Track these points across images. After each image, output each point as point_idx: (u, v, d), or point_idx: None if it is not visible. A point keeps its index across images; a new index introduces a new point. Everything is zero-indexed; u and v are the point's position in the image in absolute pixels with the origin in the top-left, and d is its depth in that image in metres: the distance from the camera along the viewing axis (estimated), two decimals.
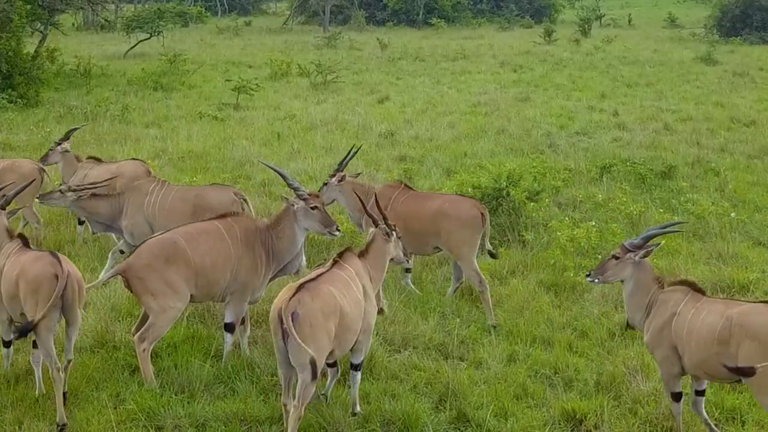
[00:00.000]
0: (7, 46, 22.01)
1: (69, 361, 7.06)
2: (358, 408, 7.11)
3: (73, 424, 6.86)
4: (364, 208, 7.83)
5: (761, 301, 6.64)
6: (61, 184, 10.75)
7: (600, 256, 10.68)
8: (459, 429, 7.01)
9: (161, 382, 7.48)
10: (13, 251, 7.17)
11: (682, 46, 38.94)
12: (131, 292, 7.72)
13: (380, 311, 7.77)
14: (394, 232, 7.41)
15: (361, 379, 7.26)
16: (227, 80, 24.74)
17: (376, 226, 7.41)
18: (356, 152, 10.27)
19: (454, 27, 52.65)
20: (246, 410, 7.02)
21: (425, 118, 20.61)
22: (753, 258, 10.92)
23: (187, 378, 7.50)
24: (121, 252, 9.83)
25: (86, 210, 9.71)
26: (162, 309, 7.50)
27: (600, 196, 13.12)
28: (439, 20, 51.35)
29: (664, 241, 11.02)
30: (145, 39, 36.43)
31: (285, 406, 6.59)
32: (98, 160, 11.64)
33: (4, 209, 7.66)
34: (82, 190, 9.65)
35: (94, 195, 9.68)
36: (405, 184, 9.88)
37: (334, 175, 9.95)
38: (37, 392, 7.31)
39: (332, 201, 9.96)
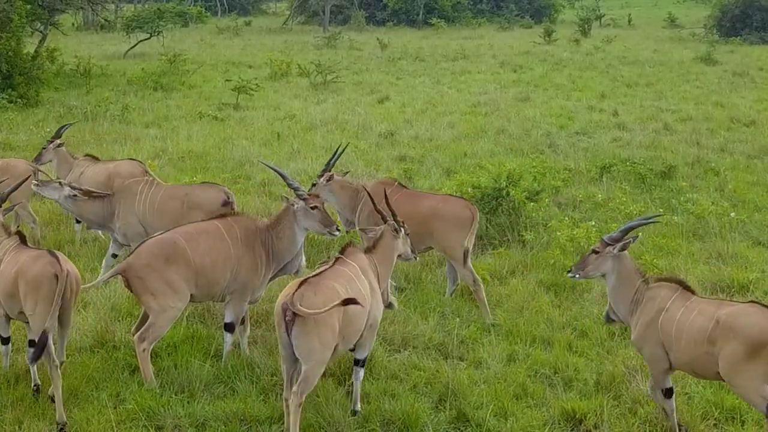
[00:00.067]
0: (7, 46, 22.02)
1: (61, 363, 7.05)
2: (359, 406, 7.11)
3: (73, 424, 6.87)
4: (374, 204, 7.83)
5: (750, 302, 6.67)
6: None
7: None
8: (459, 429, 7.01)
9: (161, 381, 7.48)
10: (11, 248, 7.18)
11: (682, 46, 38.95)
12: (131, 291, 7.72)
13: (389, 306, 7.81)
14: (402, 229, 7.46)
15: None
16: (227, 80, 24.74)
17: (385, 222, 7.45)
18: (342, 151, 10.28)
19: (454, 27, 52.66)
20: (246, 410, 7.03)
21: (425, 118, 20.62)
22: (753, 258, 10.93)
23: (187, 378, 7.50)
24: (114, 256, 9.81)
25: (78, 209, 9.69)
26: (162, 309, 7.50)
27: (600, 196, 13.13)
28: (439, 20, 51.37)
29: (663, 241, 11.15)
30: (145, 39, 36.45)
31: (286, 401, 6.61)
32: (95, 158, 11.63)
33: (0, 207, 7.68)
34: (81, 190, 9.63)
35: (87, 194, 9.67)
36: (398, 182, 9.88)
37: (322, 175, 9.95)
38: (33, 385, 7.34)
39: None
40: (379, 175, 14.36)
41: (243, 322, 8.09)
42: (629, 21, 55.87)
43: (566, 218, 11.74)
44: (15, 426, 6.84)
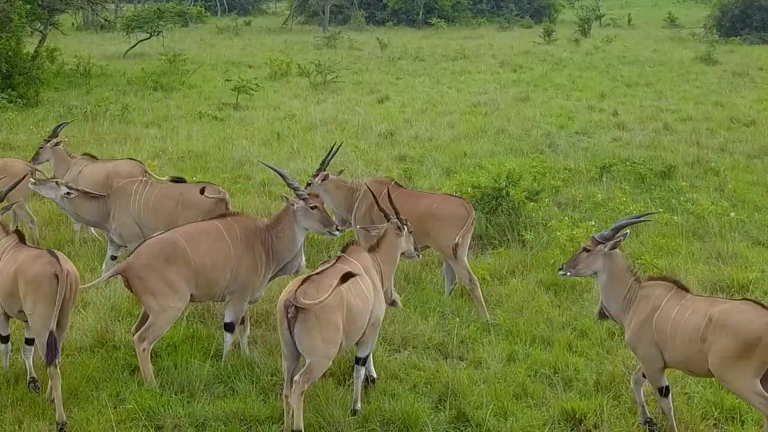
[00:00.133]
0: (7, 45, 22.02)
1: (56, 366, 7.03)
2: (359, 405, 7.12)
3: (73, 424, 6.87)
4: (377, 202, 7.84)
5: (742, 299, 6.73)
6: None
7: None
8: (458, 428, 7.01)
9: (161, 381, 7.48)
10: (9, 247, 7.18)
11: (682, 46, 38.94)
12: (131, 291, 7.73)
13: (393, 303, 7.84)
14: (405, 227, 7.48)
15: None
16: (227, 80, 24.74)
17: (388, 221, 7.47)
18: (337, 150, 10.29)
19: (454, 27, 52.65)
20: (246, 410, 7.03)
21: (425, 118, 20.62)
22: (752, 258, 10.93)
23: (187, 377, 7.51)
24: (113, 258, 9.80)
25: (74, 208, 9.67)
26: (162, 309, 7.50)
27: (599, 195, 13.13)
28: (438, 20, 51.34)
29: (663, 241, 11.15)
30: (145, 39, 36.44)
31: (286, 398, 6.65)
32: (93, 157, 11.62)
33: None
34: (77, 191, 9.62)
35: (86, 194, 9.66)
36: (395, 182, 9.89)
37: (316, 175, 9.95)
38: (29, 377, 7.37)
39: None
40: (379, 175, 14.35)
41: (243, 321, 8.10)
42: (629, 21, 55.86)
43: (566, 218, 11.74)
44: (15, 426, 6.84)
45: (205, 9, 49.92)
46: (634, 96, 24.45)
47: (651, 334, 6.61)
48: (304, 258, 8.44)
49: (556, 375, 7.86)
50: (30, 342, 7.36)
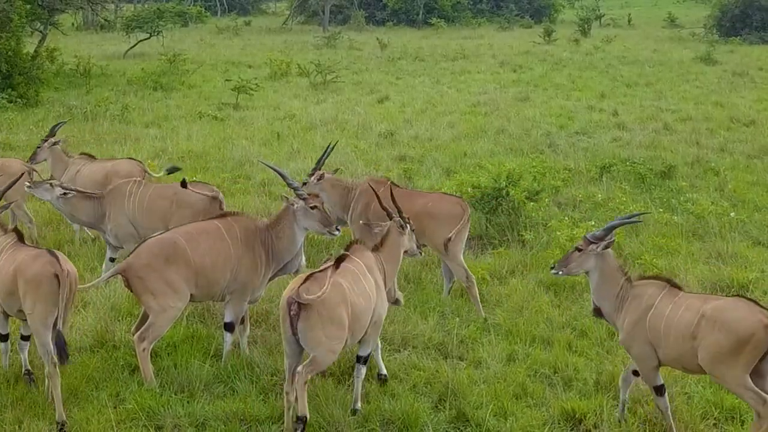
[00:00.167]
0: (6, 45, 22.02)
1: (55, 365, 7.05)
2: (359, 404, 7.12)
3: (73, 424, 6.87)
4: (380, 201, 7.85)
5: (735, 296, 6.79)
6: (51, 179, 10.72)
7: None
8: (458, 428, 7.01)
9: (161, 381, 7.48)
10: (8, 245, 7.19)
11: (682, 46, 38.94)
12: (131, 291, 7.73)
13: (396, 302, 7.86)
14: (408, 225, 7.50)
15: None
16: (227, 80, 24.74)
17: (390, 219, 7.49)
18: (332, 149, 10.30)
19: (454, 27, 52.65)
20: (246, 409, 7.03)
21: (425, 118, 20.62)
22: (752, 257, 10.93)
23: (187, 377, 7.51)
24: (111, 260, 9.80)
25: (70, 209, 9.67)
26: (162, 308, 7.51)
27: (599, 195, 13.13)
28: (438, 20, 51.35)
29: (663, 241, 11.15)
30: (145, 39, 36.45)
31: (287, 394, 6.68)
32: (91, 156, 11.62)
33: None
34: (72, 191, 9.60)
35: (82, 194, 9.65)
36: (391, 181, 9.90)
37: (312, 174, 9.95)
38: (23, 370, 7.44)
39: None
40: (379, 175, 14.35)
41: (243, 321, 8.10)
42: (629, 21, 55.86)
43: (566, 218, 11.75)
44: (15, 426, 6.84)
45: (205, 9, 49.96)
46: (634, 96, 24.45)
47: (645, 332, 6.65)
48: (304, 258, 8.44)
49: (556, 375, 7.86)
50: (26, 338, 7.46)
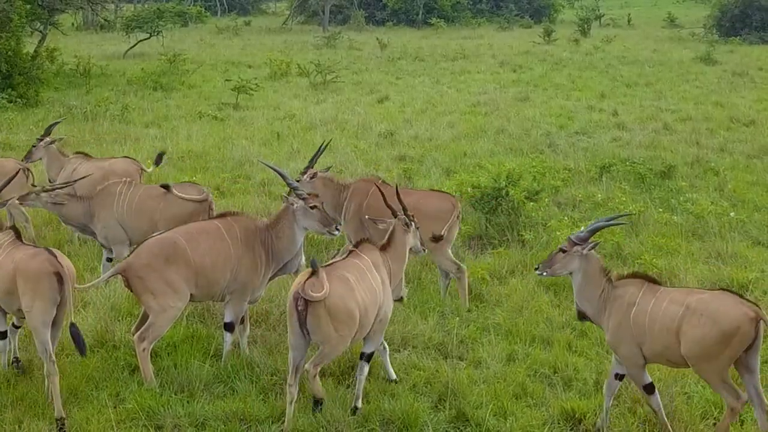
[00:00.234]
0: (6, 45, 22.02)
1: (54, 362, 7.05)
2: (360, 402, 7.14)
3: (73, 424, 6.87)
4: (384, 199, 7.85)
5: (720, 289, 6.86)
6: (47, 181, 10.72)
7: (598, 256, 10.69)
8: (458, 428, 7.02)
9: (161, 381, 7.49)
10: (6, 244, 7.20)
11: (682, 46, 38.94)
12: (131, 291, 7.73)
13: (399, 300, 7.88)
14: (413, 223, 7.53)
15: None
16: (227, 80, 24.74)
17: (395, 217, 7.54)
18: (325, 147, 10.31)
19: (454, 27, 52.64)
20: (245, 409, 7.04)
21: (425, 118, 20.62)
22: (752, 257, 10.94)
23: (187, 377, 7.51)
24: (109, 260, 9.80)
25: (62, 212, 9.66)
26: (162, 308, 7.51)
27: (599, 195, 13.13)
28: (438, 20, 51.33)
29: (663, 241, 11.16)
30: (145, 39, 36.44)
31: (290, 387, 6.75)
32: (86, 155, 11.61)
33: None
34: (53, 190, 9.58)
35: (70, 195, 9.62)
36: (382, 180, 9.92)
37: (305, 173, 9.96)
38: (12, 357, 7.60)
39: None
40: (379, 174, 14.35)
41: (243, 321, 8.10)
42: (629, 21, 55.85)
43: (566, 218, 11.77)
44: (15, 425, 6.85)
45: (205, 9, 49.91)
46: (634, 96, 24.45)
47: (630, 331, 6.68)
48: (303, 258, 8.45)
49: (556, 375, 7.87)
50: (17, 327, 7.58)
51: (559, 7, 62.33)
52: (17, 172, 9.40)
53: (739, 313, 6.32)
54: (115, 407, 7.10)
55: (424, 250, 8.02)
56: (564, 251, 6.99)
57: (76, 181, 10.01)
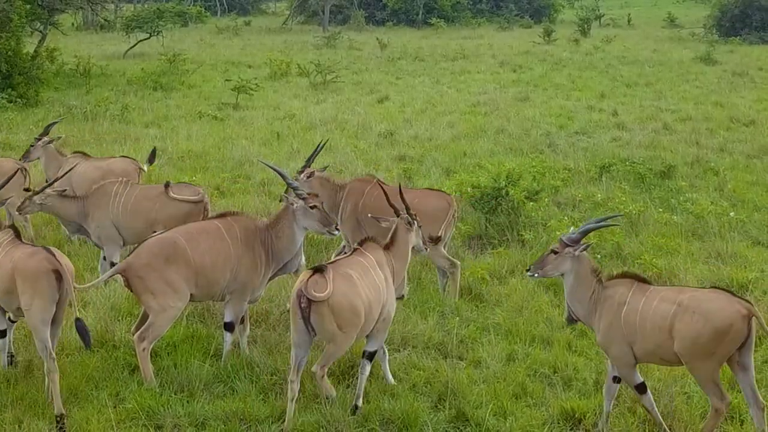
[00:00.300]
0: (6, 45, 22.01)
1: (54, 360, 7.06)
2: (360, 401, 7.15)
3: (73, 424, 6.87)
4: (388, 199, 7.86)
5: (712, 287, 6.90)
6: (45, 181, 10.71)
7: (599, 256, 10.72)
8: (458, 428, 7.02)
9: (161, 381, 7.49)
10: (5, 243, 7.21)
11: (682, 46, 38.93)
12: (131, 291, 7.73)
13: (401, 297, 7.91)
14: (415, 222, 7.56)
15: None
16: (227, 80, 24.74)
17: (398, 216, 7.56)
18: (322, 147, 10.32)
19: (454, 27, 52.61)
20: (245, 409, 7.04)
21: (425, 118, 20.62)
22: (752, 257, 10.94)
23: (187, 377, 7.52)
24: (105, 259, 9.79)
25: (56, 212, 9.66)
26: (162, 308, 7.51)
27: (599, 195, 13.13)
28: (438, 20, 51.29)
29: (663, 241, 11.16)
30: (145, 39, 36.42)
31: (292, 383, 6.77)
32: (85, 155, 11.60)
33: None
34: (43, 191, 9.56)
35: (61, 196, 9.63)
36: (377, 179, 9.93)
37: (302, 172, 9.96)
38: (6, 354, 7.60)
39: None
40: (379, 174, 14.35)
41: (242, 321, 8.10)
42: (629, 21, 55.82)
43: (565, 218, 11.77)
44: (15, 425, 6.85)
45: (205, 9, 49.87)
46: (634, 96, 24.45)
47: (621, 331, 6.69)
48: (303, 257, 8.45)
49: (556, 374, 7.87)
50: (12, 321, 7.60)
51: (559, 7, 62.28)
52: (16, 172, 9.39)
53: (732, 310, 6.34)
54: (115, 407, 7.10)
55: (426, 249, 8.05)
56: (556, 253, 6.99)
57: (61, 176, 9.95)
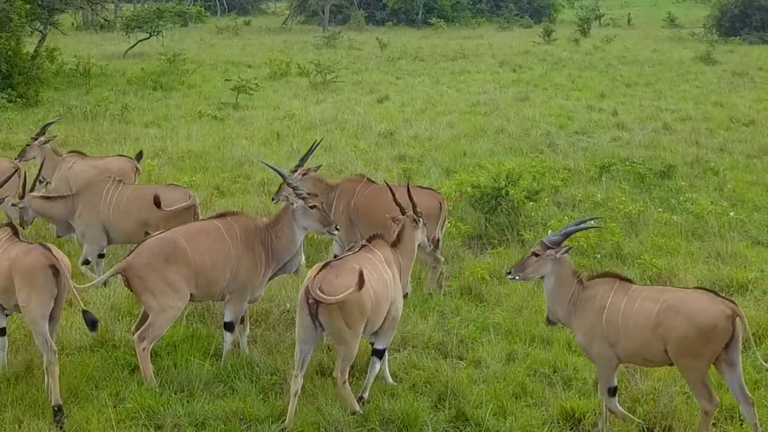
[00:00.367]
0: (6, 45, 22.01)
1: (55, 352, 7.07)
2: (367, 393, 7.20)
3: (73, 423, 6.87)
4: (394, 197, 7.87)
5: (696, 288, 6.95)
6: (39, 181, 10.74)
7: (599, 256, 10.73)
8: (458, 428, 7.02)
9: (161, 381, 7.49)
10: (3, 240, 7.23)
11: (682, 46, 38.94)
12: (131, 291, 7.74)
13: (405, 295, 7.94)
14: (420, 219, 7.63)
15: (360, 378, 7.30)
16: (227, 80, 24.74)
17: (403, 214, 7.60)
18: (316, 146, 10.34)
19: (454, 27, 52.63)
20: (245, 409, 7.04)
21: (424, 118, 20.62)
22: (752, 257, 10.94)
23: (187, 377, 7.52)
24: (101, 256, 9.76)
25: (43, 213, 9.65)
26: (162, 308, 7.51)
27: (599, 195, 13.14)
28: (438, 20, 51.31)
29: (662, 240, 11.16)
30: (145, 39, 36.42)
31: (295, 378, 6.79)
32: (82, 154, 11.60)
33: None
34: (29, 193, 9.49)
35: (44, 198, 9.60)
36: (367, 178, 9.95)
37: (295, 171, 9.96)
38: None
39: None
40: (379, 174, 14.36)
41: (242, 321, 8.10)
42: (629, 21, 55.84)
43: (565, 218, 11.77)
44: (15, 425, 6.85)
45: (205, 9, 49.88)
46: (634, 96, 24.45)
47: (602, 331, 6.69)
48: (303, 257, 8.45)
49: (556, 374, 7.87)
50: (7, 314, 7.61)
51: (559, 7, 62.30)
52: (14, 172, 9.39)
53: (716, 310, 6.35)
54: (115, 407, 7.10)
55: (430, 245, 8.10)
56: (537, 255, 6.96)
57: (40, 175, 9.93)
